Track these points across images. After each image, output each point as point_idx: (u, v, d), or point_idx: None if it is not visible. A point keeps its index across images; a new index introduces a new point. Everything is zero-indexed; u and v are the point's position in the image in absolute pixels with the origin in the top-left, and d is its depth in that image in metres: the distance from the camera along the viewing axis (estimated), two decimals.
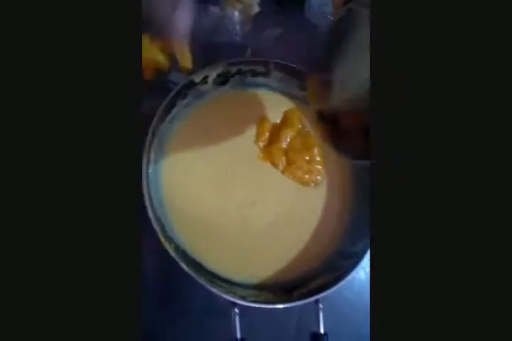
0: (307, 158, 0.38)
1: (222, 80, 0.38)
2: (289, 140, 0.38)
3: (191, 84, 0.36)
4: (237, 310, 0.31)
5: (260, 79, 0.39)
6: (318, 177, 0.38)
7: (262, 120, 0.38)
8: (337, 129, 0.28)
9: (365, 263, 0.44)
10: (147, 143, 0.32)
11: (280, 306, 0.31)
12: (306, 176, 0.38)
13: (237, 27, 0.44)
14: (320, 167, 0.38)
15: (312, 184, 0.38)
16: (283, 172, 0.38)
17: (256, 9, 0.41)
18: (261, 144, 0.38)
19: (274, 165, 0.38)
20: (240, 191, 0.37)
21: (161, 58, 0.40)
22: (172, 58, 0.40)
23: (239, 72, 0.38)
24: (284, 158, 0.38)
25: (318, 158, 0.38)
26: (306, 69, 0.31)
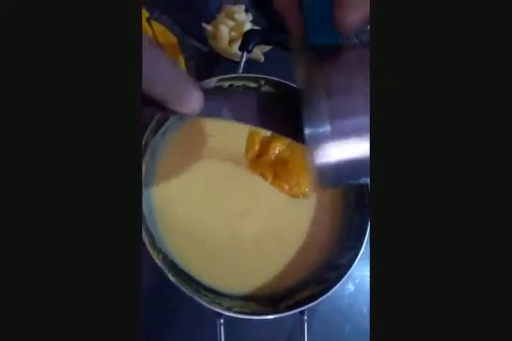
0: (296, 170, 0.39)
1: None
2: (277, 152, 0.39)
3: None
4: (222, 321, 0.32)
5: None
6: (307, 189, 0.39)
7: (252, 133, 0.39)
8: None
9: (355, 274, 0.44)
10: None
11: (265, 317, 0.32)
12: (295, 188, 0.39)
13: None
14: (309, 179, 0.39)
15: (301, 196, 0.39)
16: (272, 184, 0.38)
17: (248, 26, 0.43)
18: (251, 156, 0.39)
19: (264, 177, 0.38)
20: (230, 202, 0.38)
21: None
22: None
23: (230, 87, 0.39)
24: (272, 171, 0.38)
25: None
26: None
